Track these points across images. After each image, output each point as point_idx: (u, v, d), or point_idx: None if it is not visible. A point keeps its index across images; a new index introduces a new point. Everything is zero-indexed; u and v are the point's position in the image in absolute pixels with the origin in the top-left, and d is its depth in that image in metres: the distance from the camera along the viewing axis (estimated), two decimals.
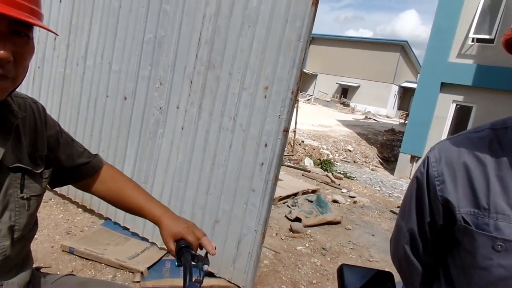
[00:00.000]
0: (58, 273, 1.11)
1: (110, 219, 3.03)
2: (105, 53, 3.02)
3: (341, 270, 0.37)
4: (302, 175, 6.61)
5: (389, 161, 12.03)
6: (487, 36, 9.34)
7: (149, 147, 2.83)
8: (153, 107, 2.79)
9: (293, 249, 3.36)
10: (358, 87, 30.39)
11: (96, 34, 3.06)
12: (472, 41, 9.60)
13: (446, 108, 10.09)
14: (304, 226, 3.83)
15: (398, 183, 8.77)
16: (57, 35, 0.80)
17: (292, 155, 8.63)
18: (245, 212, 2.42)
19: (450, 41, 9.82)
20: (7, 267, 0.84)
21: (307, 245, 3.50)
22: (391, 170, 10.84)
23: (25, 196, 0.88)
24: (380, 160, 11.87)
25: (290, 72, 2.25)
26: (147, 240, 2.83)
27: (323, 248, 3.49)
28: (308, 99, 26.63)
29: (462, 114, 10.02)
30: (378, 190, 7.40)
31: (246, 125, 2.41)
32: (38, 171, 0.92)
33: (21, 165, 0.86)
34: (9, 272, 0.85)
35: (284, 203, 4.55)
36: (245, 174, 2.42)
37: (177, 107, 2.68)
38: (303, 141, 10.45)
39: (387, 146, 13.52)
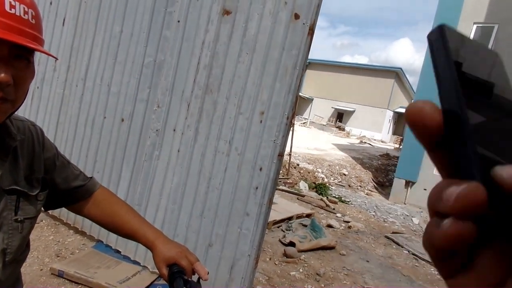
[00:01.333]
0: None
1: (102, 242, 2.99)
2: (105, 75, 3.07)
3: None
4: (297, 198, 6.59)
5: (384, 186, 12.05)
6: None
7: (145, 169, 2.83)
8: (150, 129, 2.82)
9: (287, 274, 3.31)
10: (353, 111, 30.77)
11: (97, 57, 3.12)
12: None
13: None
14: (298, 251, 3.80)
15: (393, 208, 8.75)
16: (57, 59, 0.84)
17: (287, 178, 8.63)
18: (239, 236, 2.41)
19: None
20: None
21: (301, 270, 3.46)
22: (386, 195, 10.84)
23: (19, 219, 0.88)
24: (375, 185, 11.88)
25: (286, 98, 2.30)
26: (139, 263, 2.79)
27: (317, 274, 3.45)
28: (304, 123, 26.87)
29: None
30: (373, 215, 7.38)
31: (241, 149, 2.44)
32: (34, 193, 0.92)
33: (17, 188, 0.87)
34: None
35: (278, 227, 4.52)
36: (239, 197, 2.42)
37: (174, 130, 2.71)
38: (298, 164, 10.48)
39: (382, 170, 13.57)
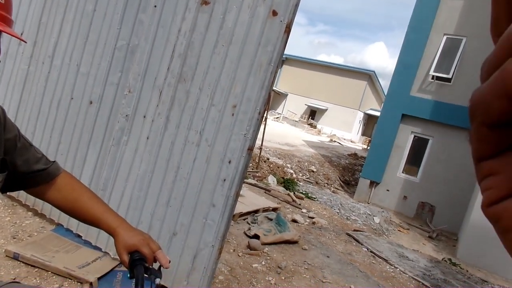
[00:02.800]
0: (1, 280, 1.08)
1: (62, 225, 2.92)
2: (74, 54, 2.97)
3: None
4: (265, 192, 6.67)
5: (349, 185, 12.41)
6: (445, 75, 10.04)
7: (111, 154, 2.78)
8: (119, 114, 2.76)
9: (249, 266, 3.37)
10: (325, 110, 31.31)
11: (66, 34, 3.01)
12: (432, 78, 10.28)
13: (405, 138, 10.64)
14: (262, 244, 3.87)
15: (357, 206, 9.04)
16: (26, 42, 0.82)
17: (257, 172, 8.70)
18: (203, 227, 2.43)
19: (413, 76, 10.45)
20: None
21: (263, 263, 3.53)
22: (351, 194, 11.18)
23: None
24: (341, 183, 12.21)
25: (258, 93, 2.32)
26: (100, 249, 2.75)
27: (279, 267, 3.53)
28: (277, 117, 27.06)
29: (419, 145, 10.59)
30: (337, 212, 7.60)
31: (212, 141, 2.44)
32: None
33: None
34: None
35: (244, 219, 4.57)
36: (206, 188, 2.44)
37: (144, 117, 2.67)
38: (268, 159, 10.57)
39: (349, 169, 13.96)
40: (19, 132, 1.06)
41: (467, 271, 6.21)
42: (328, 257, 4.28)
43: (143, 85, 2.68)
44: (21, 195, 3.17)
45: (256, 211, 4.82)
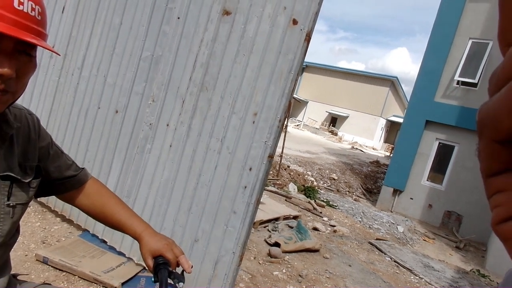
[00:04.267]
0: (33, 282, 1.13)
1: (88, 231, 3.01)
2: (102, 66, 3.08)
3: None
4: (285, 200, 6.65)
5: (372, 193, 12.19)
6: (471, 80, 9.77)
7: (136, 162, 2.86)
8: (143, 122, 2.84)
9: (270, 274, 3.37)
10: (347, 117, 30.99)
11: (94, 47, 3.13)
12: (457, 83, 10.02)
13: (429, 145, 10.38)
14: (283, 252, 3.85)
15: (379, 215, 8.87)
16: (59, 55, 0.87)
17: (277, 179, 8.69)
18: (224, 233, 2.45)
19: (437, 81, 10.23)
20: None
21: (284, 271, 3.52)
22: (374, 202, 10.98)
23: (11, 204, 0.91)
24: (363, 191, 12.01)
25: (279, 101, 2.35)
26: (124, 255, 2.81)
27: (300, 275, 3.50)
28: (297, 125, 26.99)
29: (444, 152, 10.31)
30: (359, 220, 7.48)
31: (233, 148, 2.48)
32: (27, 181, 0.96)
33: (11, 174, 0.91)
34: None
35: (264, 227, 4.57)
36: (228, 195, 2.47)
37: (167, 125, 2.74)
38: (289, 166, 10.54)
39: (371, 177, 13.72)
40: (52, 140, 1.12)
41: (497, 283, 5.96)
42: (350, 266, 4.21)
43: (167, 94, 2.75)
44: (50, 201, 3.30)
45: (276, 219, 4.81)
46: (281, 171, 9.51)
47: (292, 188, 8.28)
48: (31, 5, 0.76)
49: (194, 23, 2.65)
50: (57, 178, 1.10)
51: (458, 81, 9.98)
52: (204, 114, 2.59)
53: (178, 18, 2.73)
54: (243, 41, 2.47)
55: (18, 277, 1.09)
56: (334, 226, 5.83)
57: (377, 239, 6.12)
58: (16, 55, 0.76)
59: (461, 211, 9.83)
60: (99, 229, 2.95)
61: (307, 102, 32.32)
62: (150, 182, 2.78)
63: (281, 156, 9.61)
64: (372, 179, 13.51)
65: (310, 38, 2.29)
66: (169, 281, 0.99)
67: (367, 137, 29.98)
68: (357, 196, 11.19)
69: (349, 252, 4.77)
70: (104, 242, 2.91)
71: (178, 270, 1.06)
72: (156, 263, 1.03)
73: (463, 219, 9.79)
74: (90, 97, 3.13)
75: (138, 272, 2.63)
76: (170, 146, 2.71)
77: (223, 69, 2.54)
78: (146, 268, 2.67)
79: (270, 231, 4.40)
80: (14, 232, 0.97)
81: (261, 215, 4.52)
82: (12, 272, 1.05)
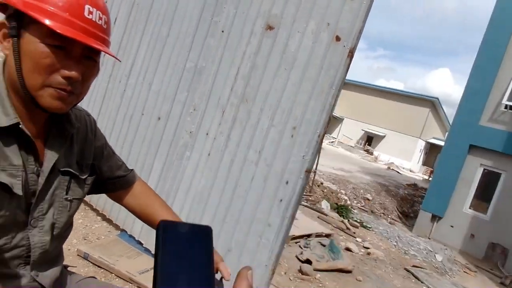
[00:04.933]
0: (80, 274, 1.18)
1: (126, 231, 3.11)
2: (147, 74, 3.23)
3: (159, 226, 0.37)
4: (318, 217, 6.53)
5: (408, 217, 11.68)
6: None
7: (175, 168, 2.94)
8: (184, 130, 2.93)
9: None
10: (383, 136, 30.18)
11: (141, 56, 3.29)
12: (505, 107, 9.50)
13: (473, 171, 9.84)
14: (314, 270, 3.77)
15: (416, 241, 8.46)
16: (120, 61, 0.93)
17: (310, 196, 8.57)
18: (258, 245, 2.44)
19: (482, 104, 9.75)
20: (43, 260, 0.92)
21: None
22: (410, 226, 10.50)
23: (69, 198, 0.97)
24: (399, 214, 11.54)
25: (319, 116, 2.34)
26: None
27: None
28: (332, 142, 26.62)
29: (489, 180, 9.72)
30: (394, 245, 7.18)
31: (270, 161, 2.49)
32: (83, 177, 1.02)
33: (70, 170, 0.97)
34: (44, 265, 0.93)
35: (296, 242, 4.50)
36: (263, 207, 2.47)
37: (207, 134, 2.80)
38: (322, 183, 10.38)
39: (408, 200, 13.18)
40: (106, 141, 1.18)
41: None
42: None
43: (208, 104, 2.82)
44: (93, 200, 3.45)
45: (308, 235, 4.73)
46: (314, 187, 9.38)
47: (324, 205, 8.13)
48: (99, 14, 0.82)
49: (238, 36, 2.72)
50: (108, 177, 1.16)
51: (506, 105, 9.45)
52: (243, 125, 2.63)
53: (222, 31, 2.81)
54: (285, 56, 2.50)
55: (68, 268, 1.15)
56: (368, 248, 5.63)
57: (413, 266, 5.83)
58: (82, 60, 0.82)
59: (508, 244, 9.15)
60: (136, 230, 3.04)
61: (342, 119, 31.88)
62: (187, 189, 2.84)
63: (314, 172, 9.49)
64: (408, 203, 12.97)
65: (353, 55, 2.28)
66: None
67: (404, 159, 28.97)
68: (392, 219, 10.77)
69: (384, 276, 4.58)
70: (140, 243, 2.99)
71: (217, 276, 1.07)
72: None
73: (509, 253, 9.11)
74: (135, 104, 3.28)
75: None
76: (209, 154, 2.77)
77: (264, 82, 2.58)
78: None
79: (301, 247, 4.32)
80: (68, 225, 1.03)
81: (293, 231, 4.46)
82: (63, 263, 1.10)
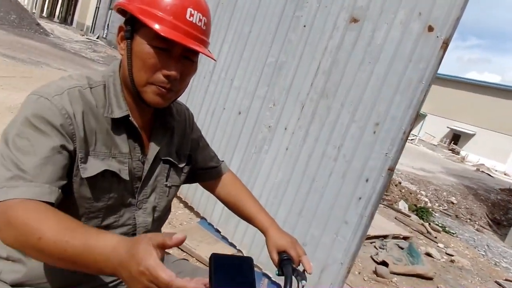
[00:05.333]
0: (173, 255, 1.30)
1: (206, 219, 3.31)
2: (230, 70, 3.36)
3: (210, 258, 0.49)
4: (395, 217, 6.21)
5: (500, 225, 10.48)
6: None
7: (253, 161, 3.03)
8: (263, 124, 3.00)
9: None
10: (473, 135, 27.35)
11: (224, 53, 3.43)
12: None
13: None
14: (391, 273, 3.60)
15: (510, 252, 7.58)
16: (215, 60, 0.99)
17: (386, 195, 8.16)
18: (333, 242, 2.42)
19: None
20: None
21: None
22: (502, 236, 9.42)
23: (168, 184, 1.07)
24: (489, 221, 10.41)
25: (405, 112, 2.22)
26: (234, 246, 3.01)
27: None
28: (412, 139, 24.91)
29: None
30: (483, 254, 6.51)
31: (349, 157, 2.43)
32: (181, 166, 1.11)
33: (170, 159, 1.07)
34: None
35: (371, 243, 4.34)
36: (340, 204, 2.43)
37: (285, 128, 2.83)
38: (400, 183, 9.81)
39: (501, 207, 11.81)
40: (201, 134, 1.28)
41: None
42: None
43: (287, 99, 2.85)
44: None
45: (385, 236, 4.53)
46: (391, 187, 8.91)
47: (402, 206, 7.68)
48: (199, 16, 0.88)
49: (320, 31, 2.69)
50: (202, 167, 1.25)
51: None
52: (323, 121, 2.61)
53: (304, 26, 2.80)
54: (370, 49, 2.40)
55: None
56: (451, 255, 5.20)
57: (506, 279, 5.24)
58: (181, 59, 0.89)
59: None
60: (215, 219, 3.22)
61: (425, 116, 29.59)
62: (264, 182, 2.91)
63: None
64: (502, 209, 11.62)
65: (447, 46, 2.11)
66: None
67: (497, 160, 25.93)
68: (481, 226, 9.76)
69: None
70: (218, 231, 3.15)
71: (300, 268, 1.09)
72: (281, 258, 1.08)
73: None
74: (217, 99, 3.44)
75: None
76: (287, 149, 2.80)
77: (345, 77, 2.52)
78: (254, 262, 2.81)
79: (377, 248, 4.16)
80: (167, 210, 1.14)
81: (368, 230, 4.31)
82: None
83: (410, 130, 2.29)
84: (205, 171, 1.27)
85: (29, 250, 0.67)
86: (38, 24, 15.99)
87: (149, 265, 0.55)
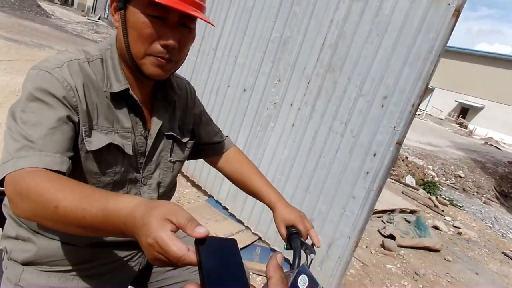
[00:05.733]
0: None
1: (213, 197, 3.33)
2: (233, 47, 3.29)
3: (196, 242, 0.50)
4: (402, 192, 6.22)
5: (508, 197, 10.46)
6: None
7: (258, 138, 3.01)
8: (268, 101, 2.96)
9: (383, 266, 3.23)
10: (481, 108, 26.95)
11: (228, 29, 3.35)
12: None
13: None
14: (398, 246, 3.64)
15: None
16: (213, 25, 0.95)
17: (394, 170, 8.15)
18: (341, 217, 2.43)
19: None
20: None
21: (398, 265, 3.33)
22: (510, 208, 9.42)
23: (172, 160, 1.06)
24: (497, 194, 10.40)
25: (414, 85, 2.17)
26: (242, 223, 3.04)
27: (416, 273, 3.27)
28: (419, 114, 24.63)
29: None
30: (490, 226, 6.54)
31: (357, 132, 2.40)
32: (184, 141, 1.10)
33: (173, 134, 1.05)
34: None
35: (378, 217, 4.37)
36: (347, 179, 2.42)
37: (291, 105, 2.80)
38: (407, 157, 9.77)
39: (509, 179, 11.76)
40: (204, 109, 1.25)
41: None
42: (477, 274, 3.74)
43: (292, 74, 2.80)
44: (184, 167, 3.74)
45: (392, 211, 4.54)
46: (398, 162, 8.88)
47: (409, 180, 7.68)
48: None
49: (325, 2, 2.60)
50: (205, 142, 1.23)
51: None
52: (329, 96, 2.56)
53: None
54: (377, 20, 2.33)
55: None
56: (458, 227, 5.22)
57: None
58: (178, 27, 0.84)
59: None
60: (222, 196, 3.24)
61: (432, 90, 29.11)
62: (271, 159, 2.91)
63: None
64: (510, 182, 11.57)
65: (459, 14, 2.03)
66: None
67: (506, 133, 25.62)
68: (488, 198, 9.75)
69: (477, 259, 4.23)
70: (226, 209, 3.18)
71: (308, 241, 1.10)
72: (289, 233, 1.08)
73: None
74: (221, 76, 3.40)
75: (254, 241, 2.82)
76: (292, 125, 2.77)
77: (352, 50, 2.45)
78: (262, 238, 2.85)
79: (384, 222, 4.19)
80: (172, 186, 1.13)
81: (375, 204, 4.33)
82: None
83: (419, 103, 2.25)
84: (209, 146, 1.25)
85: (46, 220, 0.65)
86: (39, 6, 15.76)
87: (159, 237, 0.52)
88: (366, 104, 2.36)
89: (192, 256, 0.51)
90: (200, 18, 0.83)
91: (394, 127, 2.22)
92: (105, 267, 0.99)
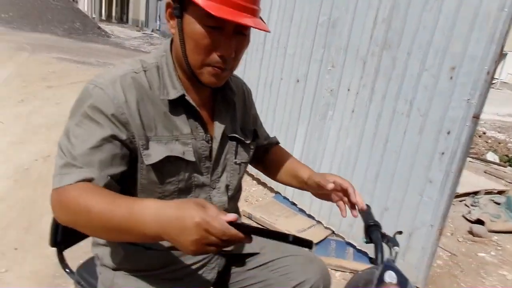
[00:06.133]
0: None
1: (280, 194, 3.30)
2: (281, 38, 3.21)
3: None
4: (485, 172, 5.64)
5: None
6: None
7: (319, 129, 2.91)
8: (323, 89, 2.85)
9: (474, 255, 2.93)
10: None
11: (274, 20, 3.24)
12: None
13: None
14: (489, 231, 3.28)
15: None
16: (269, 31, 0.91)
17: (471, 148, 7.44)
18: (419, 204, 2.24)
19: None
20: None
21: (492, 253, 2.99)
22: None
23: (238, 162, 1.04)
24: None
25: (486, 49, 1.93)
26: (313, 218, 2.95)
27: None
28: (493, 83, 22.28)
29: None
30: None
31: (424, 110, 2.20)
32: (248, 142, 1.07)
33: (236, 136, 1.03)
34: None
35: (460, 201, 3.98)
36: (421, 162, 2.23)
37: (348, 90, 2.66)
38: (484, 133, 8.88)
39: None
40: (256, 110, 1.24)
41: None
42: None
43: (346, 58, 2.65)
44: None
45: (476, 193, 4.12)
46: (474, 138, 8.08)
47: (491, 158, 6.94)
48: None
49: None
50: (260, 144, 1.23)
51: None
52: (389, 75, 2.38)
53: None
54: None
55: None
56: None
57: None
58: (234, 36, 0.82)
59: None
60: (289, 193, 3.19)
61: (505, 54, 26.09)
62: (334, 149, 2.79)
63: None
64: None
65: None
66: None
67: None
68: None
69: None
70: (294, 204, 3.13)
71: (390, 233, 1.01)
72: (367, 225, 1.00)
73: None
74: (273, 70, 3.34)
75: (328, 235, 2.73)
76: (352, 111, 2.63)
77: (409, 21, 2.25)
78: (335, 232, 2.74)
79: (468, 206, 3.80)
80: (239, 188, 1.11)
81: (456, 187, 3.96)
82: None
83: (495, 70, 2.00)
84: (263, 146, 1.27)
85: (80, 226, 0.73)
86: (99, 28, 17.12)
87: (206, 215, 0.61)
88: (432, 78, 2.15)
89: (234, 230, 0.62)
90: (255, 28, 0.81)
91: (468, 99, 1.99)
92: (186, 269, 1.01)
